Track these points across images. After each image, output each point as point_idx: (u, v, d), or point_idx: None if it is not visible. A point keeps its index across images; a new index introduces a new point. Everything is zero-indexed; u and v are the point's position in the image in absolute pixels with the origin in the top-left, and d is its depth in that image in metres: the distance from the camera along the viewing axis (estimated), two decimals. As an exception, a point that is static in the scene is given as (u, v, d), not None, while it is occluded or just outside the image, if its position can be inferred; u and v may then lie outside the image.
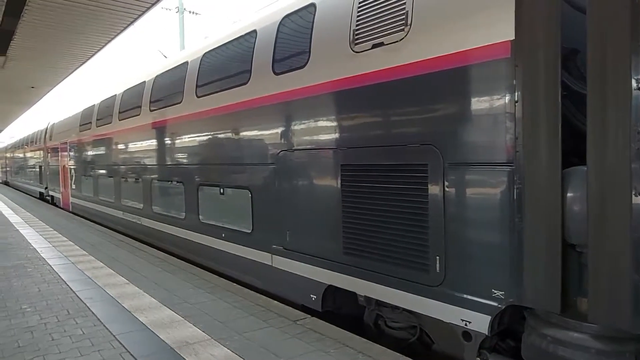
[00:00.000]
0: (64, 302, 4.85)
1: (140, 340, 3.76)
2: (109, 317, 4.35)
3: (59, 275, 5.98)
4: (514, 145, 2.94)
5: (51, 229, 10.22)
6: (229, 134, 5.82)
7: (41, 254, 7.39)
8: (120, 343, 3.72)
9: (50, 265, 6.57)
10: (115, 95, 9.84)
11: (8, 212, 13.80)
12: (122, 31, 8.63)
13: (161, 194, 8.03)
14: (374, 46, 3.75)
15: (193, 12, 17.08)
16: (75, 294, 5.15)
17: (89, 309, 4.62)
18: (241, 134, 5.59)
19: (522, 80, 2.89)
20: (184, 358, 3.41)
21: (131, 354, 3.50)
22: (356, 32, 3.91)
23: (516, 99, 2.92)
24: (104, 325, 4.13)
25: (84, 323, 4.21)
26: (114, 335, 3.88)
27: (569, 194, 2.79)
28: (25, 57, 10.51)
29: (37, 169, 19.76)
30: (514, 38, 2.92)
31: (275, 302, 4.76)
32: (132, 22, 8.09)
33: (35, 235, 9.40)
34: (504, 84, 2.99)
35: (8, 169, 33.43)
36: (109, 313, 4.46)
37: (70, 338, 3.85)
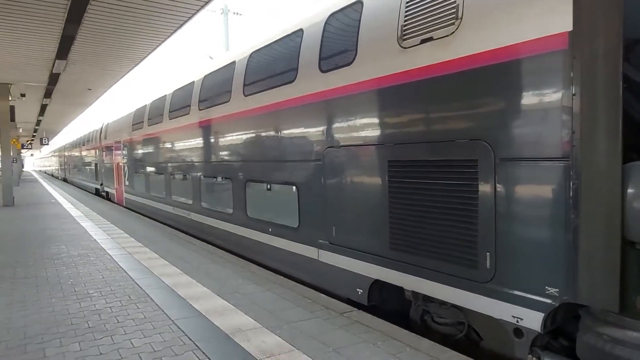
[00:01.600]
0: (125, 289, 5.21)
1: (197, 326, 3.99)
2: (167, 303, 4.63)
3: (119, 265, 6.40)
4: (570, 140, 2.86)
5: (108, 222, 10.90)
6: (276, 132, 5.99)
7: (101, 245, 7.93)
8: (179, 327, 3.96)
9: (110, 255, 7.04)
10: (166, 95, 10.33)
11: (69, 207, 14.83)
12: (172, 33, 9.04)
13: (209, 190, 8.37)
14: (423, 41, 3.75)
15: (237, 13, 17.56)
16: (135, 281, 5.51)
17: (148, 295, 4.94)
18: (288, 131, 5.74)
19: (581, 73, 2.81)
20: (237, 343, 3.59)
21: (189, 337, 3.72)
22: (404, 28, 3.93)
23: (574, 92, 2.84)
24: (163, 311, 4.41)
25: (145, 308, 4.51)
26: (172, 320, 4.14)
27: (629, 190, 2.69)
28: (84, 61, 11.24)
29: (93, 167, 21.03)
30: (571, 29, 2.84)
31: (322, 294, 4.88)
32: (182, 24, 8.46)
33: (95, 227, 10.07)
34: (561, 76, 2.92)
35: (66, 166, 35.74)
36: (167, 300, 4.75)
37: (133, 321, 4.14)
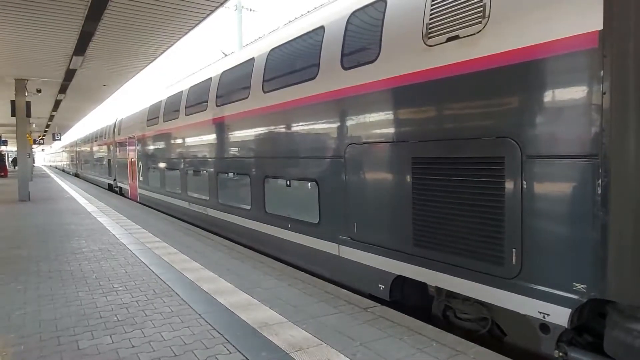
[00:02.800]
0: (149, 283, 5.31)
1: (224, 320, 4.07)
2: (192, 297, 4.72)
3: (140, 259, 6.51)
4: (599, 138, 2.88)
5: (124, 217, 11.05)
6: (296, 128, 6.04)
7: (120, 240, 8.06)
8: (206, 321, 4.04)
9: (130, 250, 7.16)
10: (182, 91, 10.42)
11: (84, 202, 15.03)
12: (189, 30, 9.11)
13: (227, 186, 8.46)
14: (449, 39, 3.77)
15: (250, 10, 17.60)
16: (158, 276, 5.61)
17: (172, 289, 5.03)
18: (309, 127, 5.79)
19: (611, 71, 2.82)
20: (266, 337, 3.66)
21: (217, 331, 3.80)
22: (430, 26, 3.94)
23: (603, 91, 2.86)
24: (189, 305, 4.49)
25: (170, 302, 4.60)
26: (199, 314, 4.22)
27: None
28: (101, 57, 11.36)
29: (106, 162, 21.26)
30: (602, 28, 2.85)
31: (344, 290, 4.93)
32: (201, 21, 8.52)
33: (112, 222, 10.22)
34: (590, 75, 2.93)
35: (78, 162, 36.12)
36: (191, 294, 4.84)
37: (161, 314, 4.23)
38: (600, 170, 2.89)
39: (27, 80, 14.69)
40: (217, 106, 8.36)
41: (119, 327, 3.93)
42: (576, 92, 3.04)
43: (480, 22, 3.54)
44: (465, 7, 3.66)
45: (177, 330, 3.85)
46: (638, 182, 2.74)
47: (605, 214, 2.87)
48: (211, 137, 8.84)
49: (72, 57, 11.26)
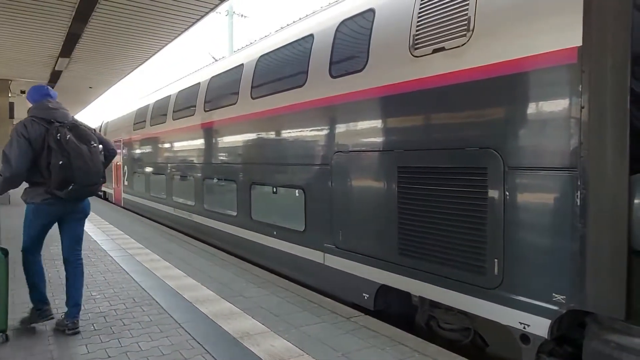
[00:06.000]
0: (128, 291, 5.19)
1: (204, 329, 3.99)
2: (172, 306, 4.62)
3: (121, 266, 6.38)
4: (578, 150, 2.93)
5: (107, 223, 10.85)
6: (284, 135, 6.02)
7: (101, 246, 7.89)
8: (186, 331, 3.96)
9: (111, 257, 7.01)
10: (170, 95, 10.34)
11: (66, 205, 14.72)
12: (179, 34, 9.06)
13: (213, 192, 8.38)
14: (435, 51, 3.81)
15: (242, 15, 17.60)
16: (138, 283, 5.50)
17: (152, 298, 4.93)
18: (296, 134, 5.78)
19: (589, 86, 2.88)
20: (246, 347, 3.60)
21: (197, 341, 3.73)
22: (416, 37, 3.99)
23: (582, 104, 2.92)
24: (169, 314, 4.40)
25: (150, 311, 4.50)
26: (179, 324, 4.13)
27: (636, 201, 2.76)
28: (88, 59, 11.22)
29: (90, 165, 20.87)
30: (581, 44, 2.92)
31: (328, 299, 4.90)
32: (191, 25, 8.48)
33: (94, 228, 10.01)
34: (569, 89, 2.99)
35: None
36: (172, 303, 4.74)
37: (139, 324, 4.13)
38: (578, 183, 2.93)
39: (11, 80, 14.42)
40: (205, 111, 8.31)
41: (95, 336, 3.82)
42: (556, 106, 3.09)
43: (465, 35, 3.59)
44: (450, 19, 3.71)
45: (156, 340, 3.75)
46: (615, 195, 2.79)
47: (584, 226, 2.91)
48: (198, 142, 8.77)
49: (57, 59, 11.09)
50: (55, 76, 13.33)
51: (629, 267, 2.76)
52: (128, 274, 5.97)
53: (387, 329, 4.01)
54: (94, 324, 4.11)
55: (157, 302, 4.78)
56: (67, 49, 10.20)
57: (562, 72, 3.03)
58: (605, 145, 2.82)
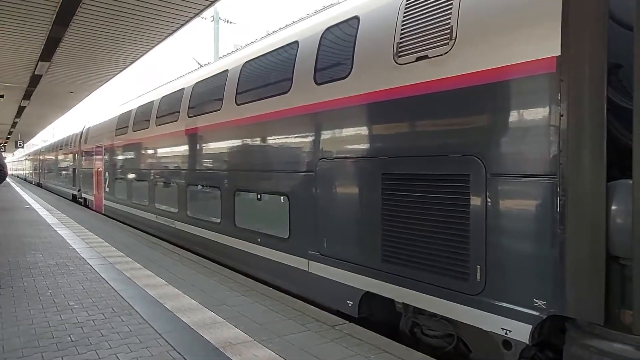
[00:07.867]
0: (107, 300, 5.06)
1: (186, 339, 3.90)
2: (153, 316, 4.52)
3: (100, 275, 6.22)
4: (557, 158, 2.99)
5: (87, 230, 10.60)
6: (268, 142, 5.99)
7: (80, 254, 7.69)
8: (167, 341, 3.86)
9: (90, 265, 6.83)
10: (153, 101, 10.21)
11: (44, 213, 14.36)
12: (162, 40, 8.99)
13: (196, 199, 8.26)
14: (418, 59, 3.85)
15: (228, 21, 17.56)
16: (118, 293, 5.36)
17: (132, 307, 4.81)
18: (280, 141, 5.75)
19: (568, 94, 2.95)
20: (229, 357, 3.53)
21: (178, 352, 3.64)
22: (400, 46, 4.02)
23: (561, 113, 2.97)
24: (149, 324, 4.29)
25: (130, 320, 4.39)
26: (159, 334, 4.03)
27: (613, 207, 2.82)
28: (69, 63, 11.03)
29: (71, 172, 20.46)
30: (559, 54, 2.99)
31: (312, 307, 4.85)
32: (174, 31, 8.43)
33: (73, 235, 9.77)
34: (548, 97, 3.05)
35: (41, 170, 34.67)
36: (153, 312, 4.63)
37: (118, 334, 4.02)
38: (558, 190, 2.98)
39: (-11, 85, 14.08)
40: (189, 117, 8.22)
41: (72, 348, 3.70)
42: (536, 114, 3.15)
43: (447, 44, 3.64)
44: (433, 28, 3.76)
45: (135, 351, 3.65)
46: (593, 201, 2.84)
47: (563, 232, 2.96)
48: (182, 148, 8.66)
49: (37, 63, 10.88)
50: (35, 80, 13.06)
51: (608, 273, 2.81)
52: (107, 282, 5.82)
53: (371, 336, 3.98)
54: (71, 335, 3.98)
55: (137, 311, 4.66)
56: (48, 53, 10.02)
57: (541, 81, 3.10)
58: (583, 153, 2.88)
